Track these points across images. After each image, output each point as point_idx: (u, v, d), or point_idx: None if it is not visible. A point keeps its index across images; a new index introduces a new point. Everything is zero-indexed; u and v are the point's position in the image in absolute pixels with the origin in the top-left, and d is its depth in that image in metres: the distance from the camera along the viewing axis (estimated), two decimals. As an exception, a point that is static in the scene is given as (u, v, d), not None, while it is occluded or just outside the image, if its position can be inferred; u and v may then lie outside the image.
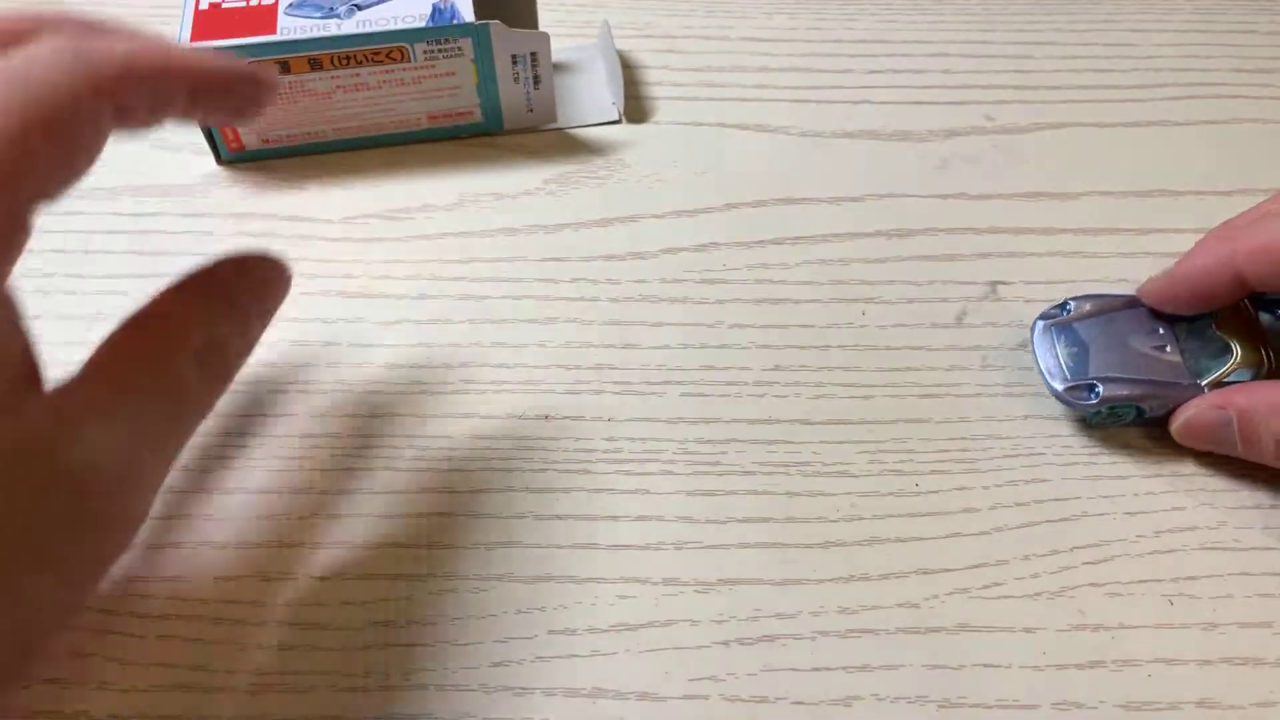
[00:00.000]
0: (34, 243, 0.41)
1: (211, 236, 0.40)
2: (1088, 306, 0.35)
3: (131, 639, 0.30)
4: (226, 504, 0.33)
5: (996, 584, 0.32)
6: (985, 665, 0.30)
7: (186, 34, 0.39)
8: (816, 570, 0.32)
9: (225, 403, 0.35)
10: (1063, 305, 0.36)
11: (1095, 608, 0.31)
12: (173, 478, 0.34)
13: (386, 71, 0.40)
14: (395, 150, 0.44)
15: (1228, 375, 0.33)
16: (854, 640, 0.31)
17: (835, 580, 0.32)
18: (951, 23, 0.50)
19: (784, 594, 0.31)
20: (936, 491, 0.34)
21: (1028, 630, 0.31)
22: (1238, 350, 0.34)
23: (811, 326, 0.38)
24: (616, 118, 0.45)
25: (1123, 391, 0.33)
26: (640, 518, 0.33)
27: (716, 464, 0.34)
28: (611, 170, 0.43)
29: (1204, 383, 0.33)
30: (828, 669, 0.30)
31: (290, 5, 0.40)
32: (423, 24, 0.39)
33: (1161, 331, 0.35)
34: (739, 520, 0.33)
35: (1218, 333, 0.34)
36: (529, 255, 0.40)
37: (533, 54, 0.41)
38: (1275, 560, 0.32)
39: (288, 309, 0.38)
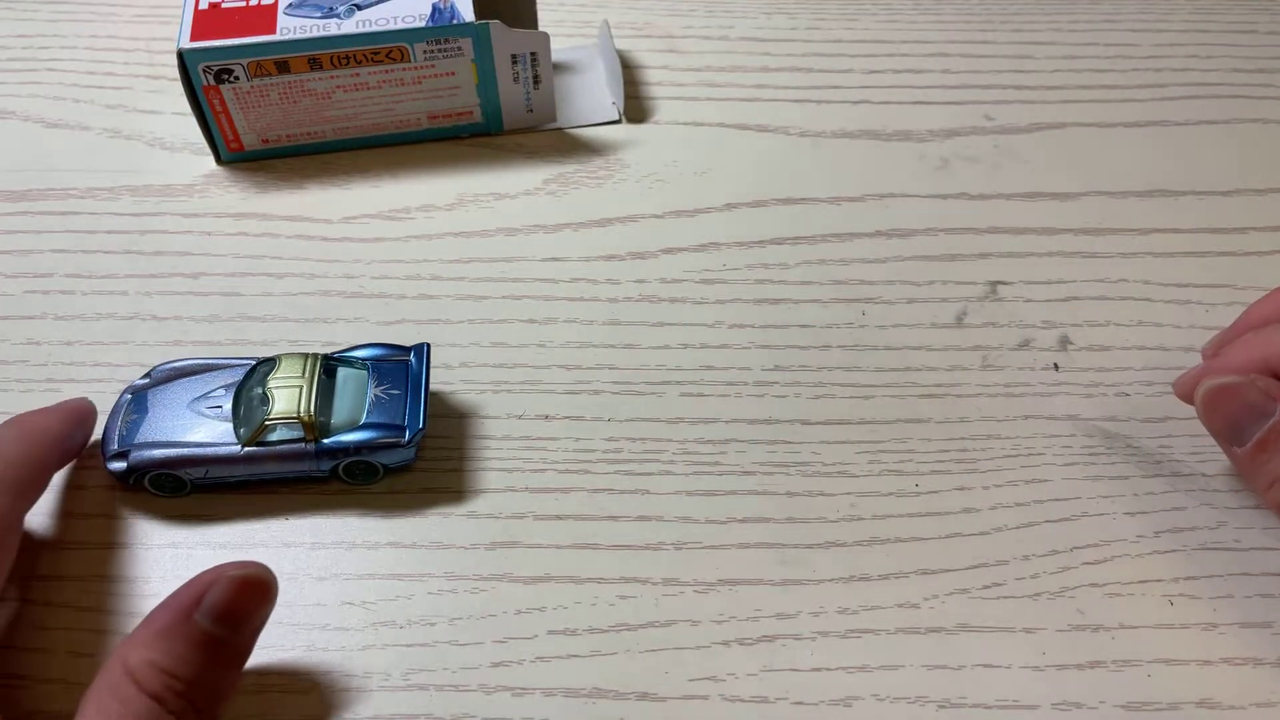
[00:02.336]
0: (34, 242, 0.41)
1: (211, 236, 0.40)
2: (167, 372, 0.34)
3: (131, 639, 0.30)
4: (227, 504, 0.33)
5: (996, 584, 0.32)
6: (985, 665, 0.30)
7: (187, 33, 0.39)
8: (816, 570, 0.32)
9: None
10: (150, 372, 0.34)
11: (1095, 608, 0.31)
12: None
13: (386, 71, 0.40)
14: (395, 150, 0.44)
15: (263, 434, 0.31)
16: (854, 640, 0.31)
17: (835, 580, 0.32)
18: (951, 23, 0.50)
19: (784, 594, 0.31)
20: (936, 491, 0.34)
21: (1028, 630, 0.31)
22: (275, 406, 0.32)
23: (811, 326, 0.38)
24: (616, 118, 0.45)
25: (153, 456, 0.31)
26: (640, 518, 0.33)
27: (716, 464, 0.34)
28: (611, 170, 0.43)
29: (241, 444, 0.32)
30: (828, 669, 0.30)
31: (290, 5, 0.40)
32: (423, 24, 0.39)
33: (223, 392, 0.33)
34: (739, 520, 0.33)
35: (269, 387, 0.32)
36: (529, 255, 0.40)
37: (533, 54, 0.41)
38: (1275, 560, 0.32)
39: (288, 309, 0.38)
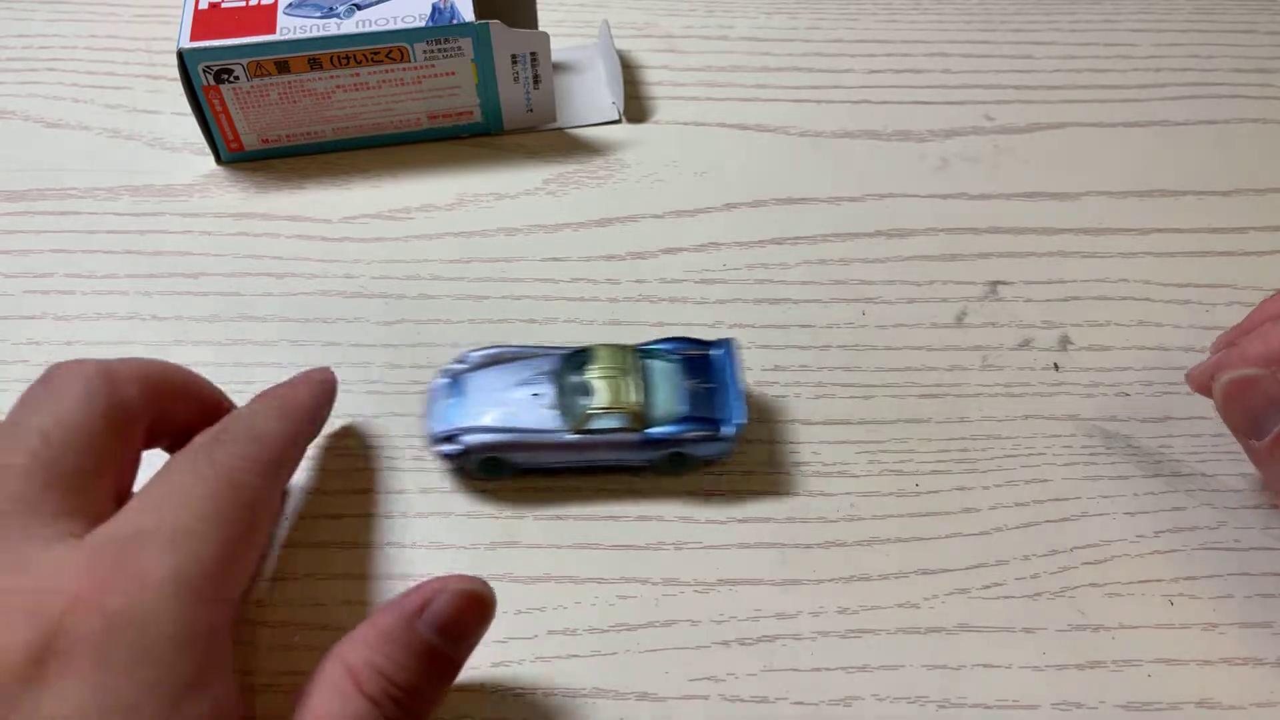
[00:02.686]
0: (34, 242, 0.41)
1: (211, 236, 0.40)
2: (481, 358, 0.34)
3: (131, 639, 0.30)
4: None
5: (996, 584, 0.32)
6: (985, 665, 0.30)
7: (186, 33, 0.39)
8: (816, 570, 0.32)
9: (225, 403, 0.35)
10: (462, 357, 0.35)
11: (1095, 608, 0.31)
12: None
13: (386, 71, 0.40)
14: (395, 150, 0.44)
15: (587, 423, 0.32)
16: (854, 640, 0.31)
17: (835, 580, 0.32)
18: (951, 23, 0.50)
19: (784, 594, 0.31)
20: (936, 491, 0.34)
21: (1028, 630, 0.31)
22: (603, 395, 0.32)
23: (811, 326, 0.38)
24: (616, 118, 0.45)
25: (485, 440, 0.32)
26: (640, 518, 0.33)
27: (716, 465, 0.34)
28: (611, 170, 0.43)
29: (568, 429, 0.32)
30: (828, 669, 0.30)
31: (290, 5, 0.40)
32: (422, 24, 0.39)
33: (542, 379, 0.33)
34: (739, 520, 0.33)
35: (589, 378, 0.33)
36: (529, 255, 0.40)
37: (532, 54, 0.41)
38: (1275, 560, 0.32)
39: (288, 309, 0.38)
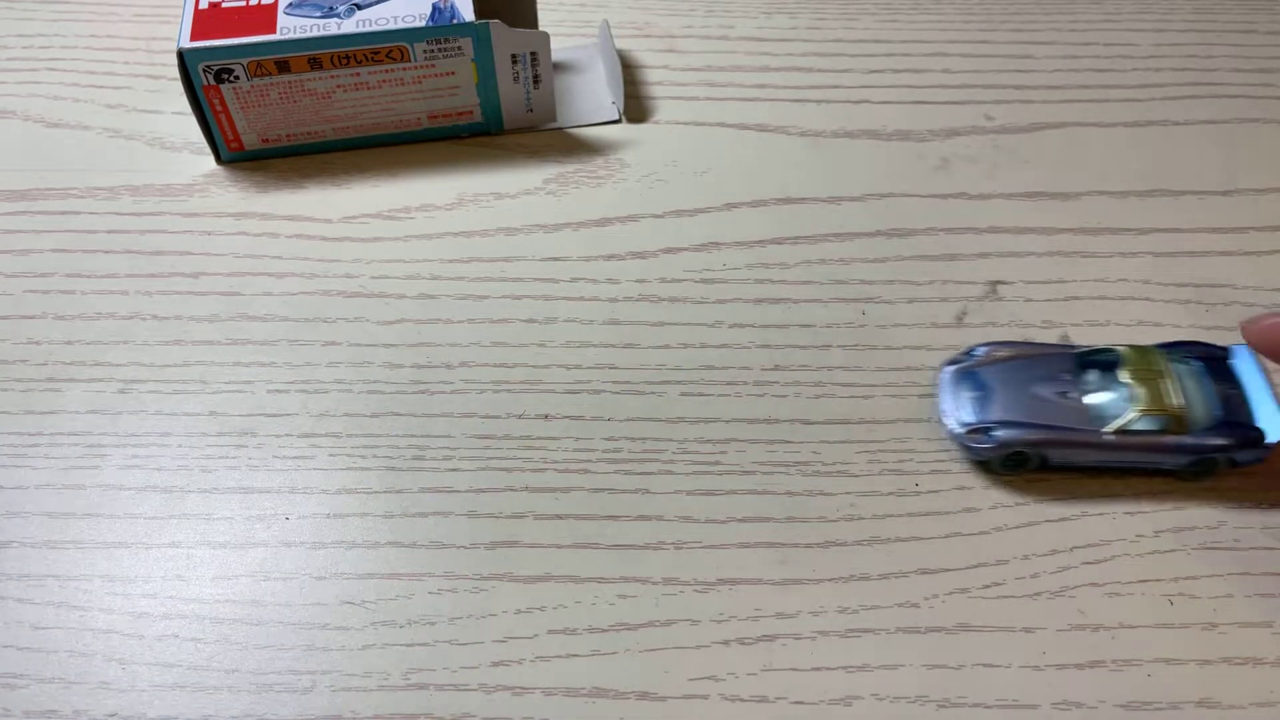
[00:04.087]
0: (34, 242, 0.41)
1: (211, 236, 0.40)
2: (996, 353, 0.35)
3: (131, 639, 0.30)
4: (226, 504, 0.33)
5: (996, 584, 0.32)
6: (985, 665, 0.30)
7: (186, 33, 0.39)
8: (816, 570, 0.32)
9: (225, 402, 0.35)
10: (970, 351, 0.35)
11: (1095, 608, 0.31)
12: (172, 477, 0.34)
13: (386, 71, 0.40)
14: (395, 150, 0.44)
15: (1131, 424, 0.32)
16: (854, 640, 0.31)
17: (835, 580, 0.32)
18: (952, 23, 0.50)
19: (784, 594, 0.31)
20: (936, 491, 0.34)
21: (1028, 630, 0.31)
22: (1143, 397, 0.32)
23: (811, 326, 0.38)
24: (616, 117, 0.45)
25: (1020, 435, 0.32)
26: (640, 518, 0.33)
27: (716, 464, 0.34)
28: (611, 170, 0.43)
29: (1106, 430, 0.32)
30: (828, 669, 0.30)
31: (290, 5, 0.40)
32: (423, 23, 0.39)
33: (1067, 378, 0.34)
34: (739, 520, 0.33)
35: (1123, 379, 0.33)
36: (529, 255, 0.40)
37: (532, 54, 0.41)
38: (1275, 560, 0.32)
39: (288, 309, 0.38)
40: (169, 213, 0.41)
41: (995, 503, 0.33)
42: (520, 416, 0.35)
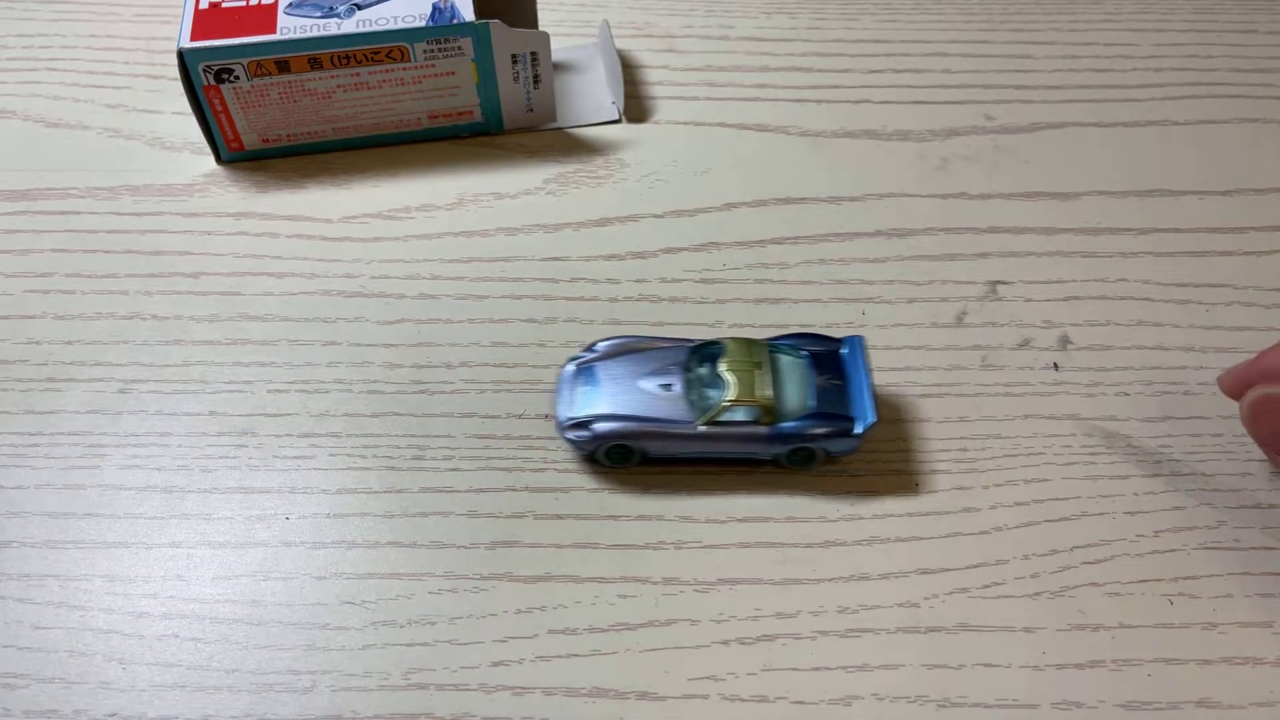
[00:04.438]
0: (34, 242, 0.41)
1: (211, 236, 0.40)
2: (615, 347, 0.35)
3: (131, 639, 0.30)
4: (226, 504, 0.33)
5: (996, 584, 0.32)
6: (985, 665, 0.30)
7: (187, 33, 0.39)
8: (816, 570, 0.32)
9: (225, 402, 0.35)
10: (591, 346, 0.35)
11: (1095, 608, 0.31)
12: (172, 477, 0.34)
13: (386, 71, 0.40)
14: (395, 150, 0.44)
15: (722, 415, 0.32)
16: (854, 640, 0.31)
17: (835, 580, 0.32)
18: (952, 23, 0.50)
19: (784, 594, 0.31)
20: (936, 491, 0.34)
21: (1028, 630, 0.31)
22: (734, 388, 0.32)
23: (811, 326, 0.38)
24: (616, 117, 0.45)
25: (615, 428, 0.32)
26: (640, 518, 0.33)
27: (717, 463, 0.34)
28: (611, 170, 0.43)
29: (698, 421, 0.32)
30: (828, 669, 0.30)
31: (290, 5, 0.40)
32: (423, 23, 0.39)
33: (673, 370, 0.34)
34: (739, 520, 0.33)
35: (720, 370, 0.33)
36: (529, 255, 0.40)
37: (533, 53, 0.41)
38: (1275, 560, 0.32)
39: (288, 309, 0.38)
40: (169, 213, 0.41)
41: (995, 503, 0.33)
42: (520, 416, 0.35)
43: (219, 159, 0.43)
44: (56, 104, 0.45)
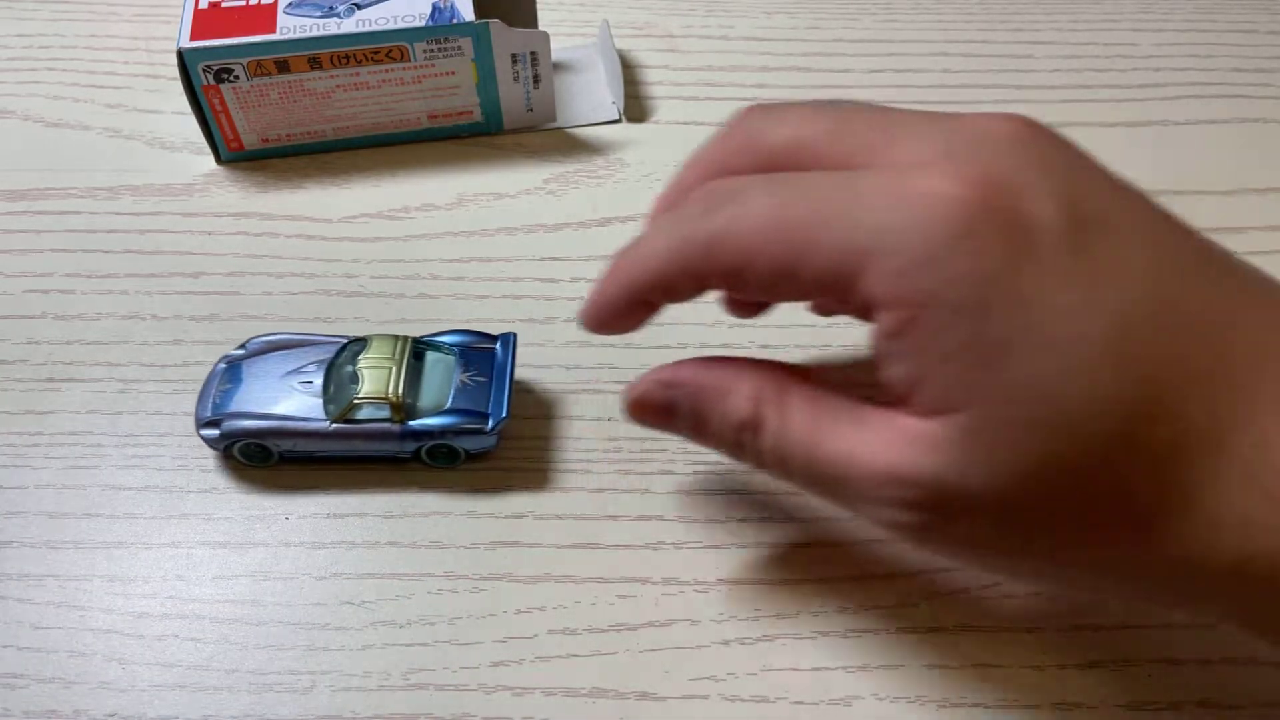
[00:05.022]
0: (34, 242, 0.41)
1: (211, 236, 0.40)
2: (261, 344, 0.35)
3: (131, 639, 0.30)
4: (226, 504, 0.33)
5: (997, 584, 0.32)
6: (985, 665, 0.30)
7: (186, 33, 0.39)
8: (817, 570, 0.32)
9: (225, 402, 0.35)
10: (245, 344, 0.35)
11: (1095, 607, 0.31)
12: (171, 477, 0.34)
13: (386, 71, 0.40)
14: (395, 150, 0.44)
15: (350, 412, 0.32)
16: (854, 640, 0.31)
17: (835, 580, 0.32)
18: (951, 23, 0.50)
19: (784, 594, 0.31)
20: (936, 491, 0.34)
21: (1028, 630, 0.31)
22: (365, 385, 0.32)
23: (812, 326, 0.38)
24: (616, 117, 0.45)
25: (244, 426, 0.32)
26: (640, 517, 0.33)
27: (717, 464, 0.34)
28: (611, 170, 0.43)
29: (330, 420, 0.32)
30: (828, 669, 0.30)
31: (290, 4, 0.40)
32: (422, 23, 0.39)
33: (314, 367, 0.33)
34: (739, 520, 0.33)
35: (358, 366, 0.33)
36: (529, 255, 0.40)
37: (532, 53, 0.41)
38: (1275, 560, 0.32)
39: (288, 309, 0.38)
40: (169, 213, 0.41)
41: (995, 503, 0.33)
42: (520, 416, 0.35)
43: (219, 159, 0.43)
44: (56, 104, 0.45)
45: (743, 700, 0.29)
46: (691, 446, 0.34)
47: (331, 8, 0.40)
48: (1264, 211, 0.42)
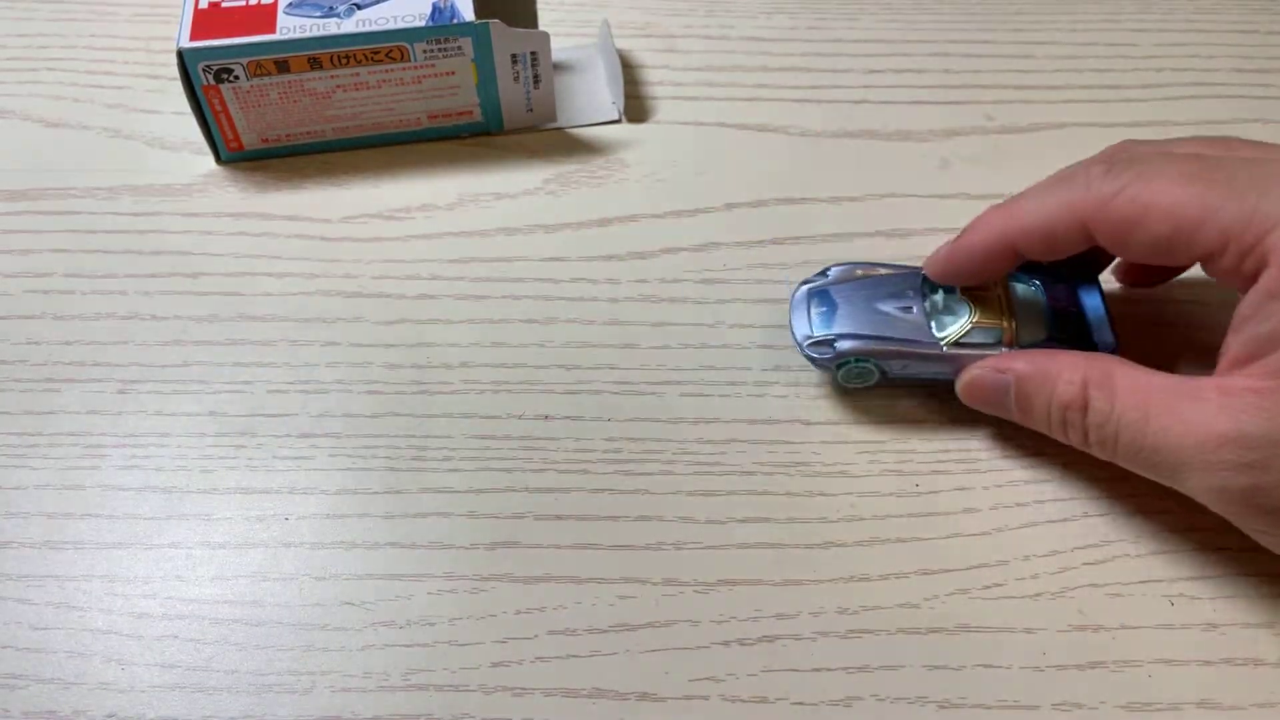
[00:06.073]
0: (34, 242, 0.41)
1: (211, 236, 0.40)
2: (846, 272, 0.36)
3: (131, 640, 0.30)
4: (226, 504, 0.33)
5: (996, 584, 0.32)
6: (985, 665, 0.30)
7: (186, 33, 0.39)
8: (816, 570, 0.32)
9: (225, 403, 0.35)
10: (825, 271, 0.36)
11: (1095, 608, 0.31)
12: (172, 478, 0.34)
13: (386, 71, 0.40)
14: (395, 150, 0.44)
15: (962, 335, 0.33)
16: (854, 640, 0.31)
17: (835, 580, 0.32)
18: (951, 22, 0.50)
19: (784, 594, 0.31)
20: (936, 491, 0.34)
21: (1028, 630, 0.31)
22: (975, 312, 0.33)
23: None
24: (616, 117, 0.45)
25: (859, 346, 0.33)
26: (640, 518, 0.33)
27: (717, 464, 0.34)
28: (611, 170, 0.43)
29: (942, 341, 0.33)
30: (828, 669, 0.30)
31: (290, 4, 0.40)
32: (422, 23, 0.39)
33: (910, 294, 0.35)
34: (739, 520, 0.33)
35: (962, 295, 0.34)
36: (529, 255, 0.40)
37: (532, 53, 0.41)
38: (1275, 560, 0.32)
39: (288, 309, 0.38)
40: (169, 213, 0.41)
41: (995, 503, 0.33)
42: (520, 417, 0.35)
43: (219, 159, 0.43)
44: (56, 104, 0.45)
45: (743, 700, 0.29)
46: (692, 447, 0.35)
47: (331, 8, 0.40)
48: (1264, 211, 0.42)
